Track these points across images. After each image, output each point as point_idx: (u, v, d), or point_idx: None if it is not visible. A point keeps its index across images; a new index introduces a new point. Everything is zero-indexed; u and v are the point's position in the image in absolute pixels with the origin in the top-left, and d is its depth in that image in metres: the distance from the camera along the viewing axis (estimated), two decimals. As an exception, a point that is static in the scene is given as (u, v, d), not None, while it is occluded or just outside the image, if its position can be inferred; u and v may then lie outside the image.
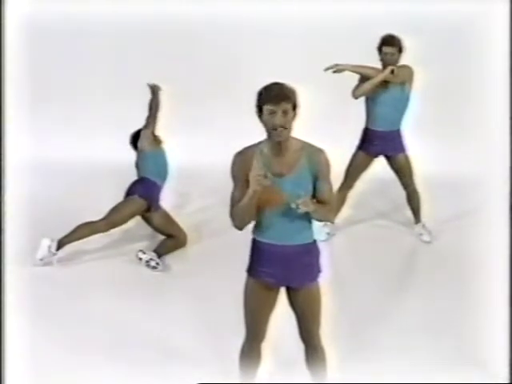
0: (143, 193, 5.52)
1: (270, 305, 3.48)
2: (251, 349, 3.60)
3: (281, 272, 3.37)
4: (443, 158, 7.13)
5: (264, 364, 3.68)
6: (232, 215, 3.31)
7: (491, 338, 4.32)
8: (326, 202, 3.32)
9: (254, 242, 3.43)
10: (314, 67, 5.60)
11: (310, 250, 3.41)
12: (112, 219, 5.45)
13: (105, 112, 7.67)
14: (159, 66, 7.19)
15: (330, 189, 3.34)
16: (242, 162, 3.26)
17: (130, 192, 5.56)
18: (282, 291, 3.50)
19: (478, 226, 5.96)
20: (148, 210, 5.57)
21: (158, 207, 5.64)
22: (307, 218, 3.33)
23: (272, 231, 3.32)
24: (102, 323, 4.62)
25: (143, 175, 5.60)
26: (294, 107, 3.19)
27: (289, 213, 3.25)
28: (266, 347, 3.62)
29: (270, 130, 3.18)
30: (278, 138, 3.19)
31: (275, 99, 3.12)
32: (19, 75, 7.15)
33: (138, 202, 5.51)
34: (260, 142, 3.30)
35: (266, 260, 3.38)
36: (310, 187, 3.28)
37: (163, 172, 5.66)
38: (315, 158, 3.24)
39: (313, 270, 3.44)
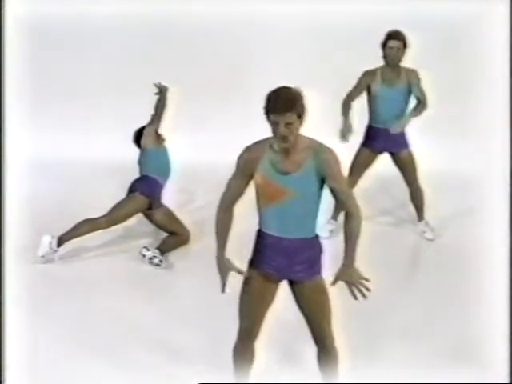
0: (144, 190, 5.51)
1: (268, 300, 3.46)
2: (244, 347, 3.56)
3: (282, 265, 3.37)
4: (445, 157, 7.12)
5: (264, 362, 3.66)
6: (217, 211, 3.40)
7: (491, 338, 4.31)
8: (344, 204, 3.31)
9: (259, 233, 3.43)
10: (317, 65, 5.60)
11: (312, 245, 3.40)
12: (113, 216, 5.44)
13: (105, 111, 7.66)
14: (161, 65, 7.19)
15: (344, 188, 3.31)
16: (248, 157, 3.28)
17: (131, 189, 5.56)
18: (281, 288, 3.47)
19: (481, 223, 5.96)
20: (150, 207, 5.57)
21: (160, 205, 5.63)
22: (311, 213, 3.34)
23: (275, 224, 3.33)
24: (103, 321, 4.60)
25: (145, 173, 5.60)
26: (300, 115, 3.16)
27: (291, 208, 3.27)
28: (266, 345, 3.59)
29: (275, 137, 3.19)
30: (281, 146, 3.20)
31: (279, 110, 3.11)
32: (19, 75, 7.14)
33: (140, 200, 5.50)
34: (270, 137, 3.28)
35: (268, 252, 3.38)
36: (316, 186, 3.28)
37: (165, 170, 5.66)
38: (322, 157, 3.23)
39: (314, 264, 3.42)
